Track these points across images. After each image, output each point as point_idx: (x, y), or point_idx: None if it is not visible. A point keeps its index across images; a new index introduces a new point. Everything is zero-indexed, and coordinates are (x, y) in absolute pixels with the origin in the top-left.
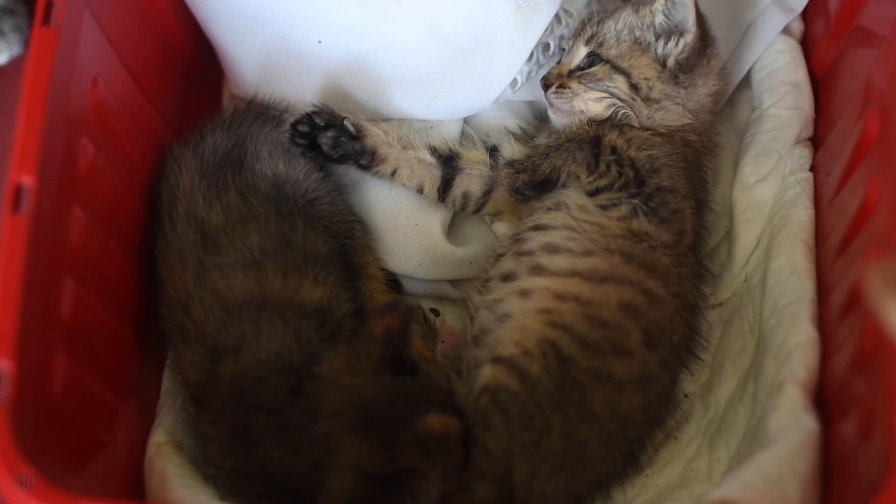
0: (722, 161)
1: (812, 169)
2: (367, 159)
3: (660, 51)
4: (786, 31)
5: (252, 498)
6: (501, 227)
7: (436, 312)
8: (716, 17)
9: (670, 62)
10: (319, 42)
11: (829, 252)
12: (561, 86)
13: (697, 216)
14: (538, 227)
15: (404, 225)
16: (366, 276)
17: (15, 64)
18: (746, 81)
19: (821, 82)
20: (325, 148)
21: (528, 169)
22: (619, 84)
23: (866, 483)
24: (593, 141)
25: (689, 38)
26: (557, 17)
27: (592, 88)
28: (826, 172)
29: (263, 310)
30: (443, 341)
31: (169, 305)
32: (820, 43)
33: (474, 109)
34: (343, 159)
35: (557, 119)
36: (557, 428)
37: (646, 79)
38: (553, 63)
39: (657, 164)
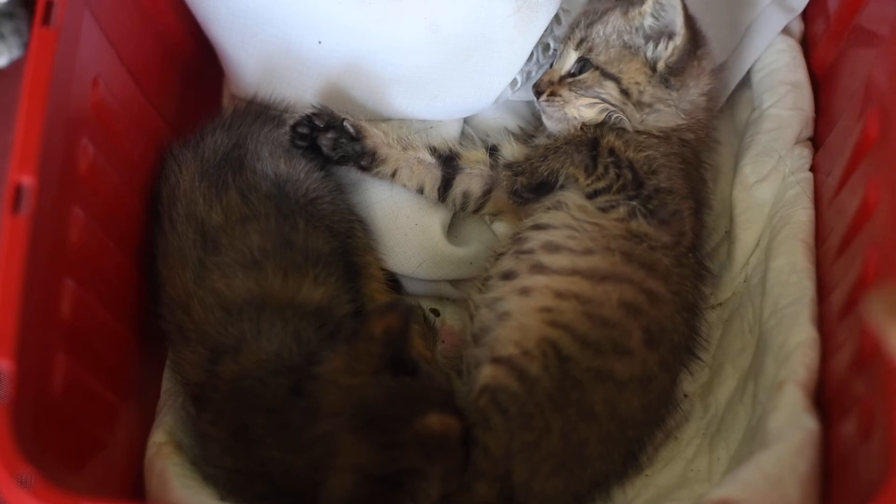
0: (722, 161)
1: (812, 169)
2: (367, 160)
3: (649, 54)
4: (786, 31)
5: (252, 498)
6: (501, 227)
7: (436, 312)
8: (716, 17)
9: (660, 66)
10: (319, 42)
11: (829, 252)
12: (552, 93)
13: (696, 216)
14: (538, 227)
15: (404, 225)
16: (366, 276)
17: (15, 66)
18: (746, 81)
19: (821, 82)
20: (325, 149)
21: (526, 171)
22: (610, 90)
23: (866, 483)
24: (591, 143)
25: (679, 41)
26: (557, 18)
27: (583, 95)
28: (826, 172)
29: (263, 310)
30: (443, 341)
31: (169, 305)
32: (820, 43)
33: (474, 109)
34: (343, 161)
35: (552, 125)
36: (557, 428)
37: (636, 83)
38: (552, 62)
39: (655, 165)
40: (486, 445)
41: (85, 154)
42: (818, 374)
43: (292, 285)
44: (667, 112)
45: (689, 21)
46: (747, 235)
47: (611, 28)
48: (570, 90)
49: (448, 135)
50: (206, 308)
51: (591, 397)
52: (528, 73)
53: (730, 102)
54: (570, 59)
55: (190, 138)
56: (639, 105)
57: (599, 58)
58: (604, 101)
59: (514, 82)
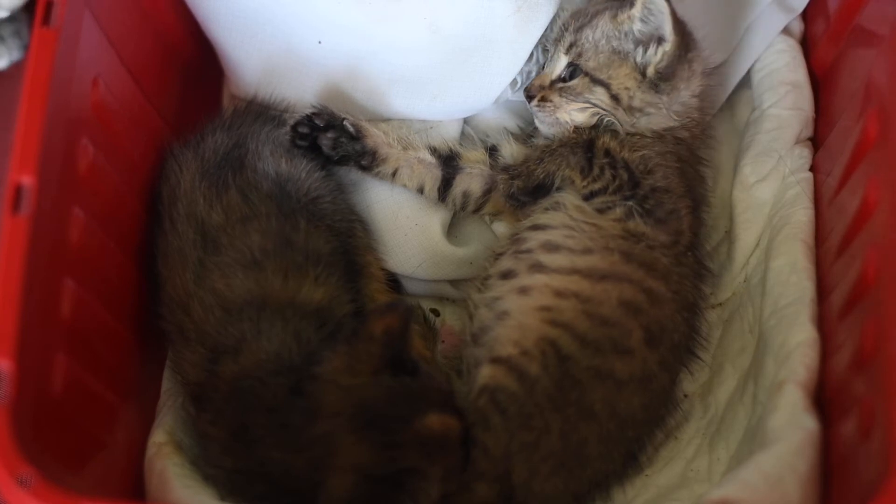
0: (722, 160)
1: (812, 169)
2: (367, 160)
3: (639, 59)
4: (786, 31)
5: (252, 498)
6: (501, 227)
7: (436, 312)
8: (716, 17)
9: (650, 71)
10: (319, 42)
11: (829, 252)
12: (543, 98)
13: (694, 214)
14: (537, 227)
15: (404, 225)
16: (366, 276)
17: (15, 68)
18: (746, 81)
19: (821, 82)
20: (325, 149)
21: (522, 175)
22: (600, 95)
23: (866, 483)
24: (586, 145)
25: (668, 46)
26: (556, 18)
27: (573, 101)
28: (826, 172)
29: (264, 310)
30: (443, 341)
31: (169, 305)
32: (820, 43)
33: (474, 109)
34: (344, 160)
35: (544, 128)
36: (556, 428)
37: (626, 89)
38: (543, 65)
39: (651, 165)
40: (485, 445)
41: (85, 154)
42: (818, 374)
43: (293, 285)
44: (658, 114)
45: (679, 25)
46: (747, 235)
47: (600, 33)
48: (561, 96)
49: (448, 135)
50: (206, 308)
51: (591, 397)
52: (528, 73)
53: (730, 102)
54: (561, 63)
55: (190, 138)
56: (629, 110)
57: (589, 63)
58: (594, 106)
59: (514, 82)
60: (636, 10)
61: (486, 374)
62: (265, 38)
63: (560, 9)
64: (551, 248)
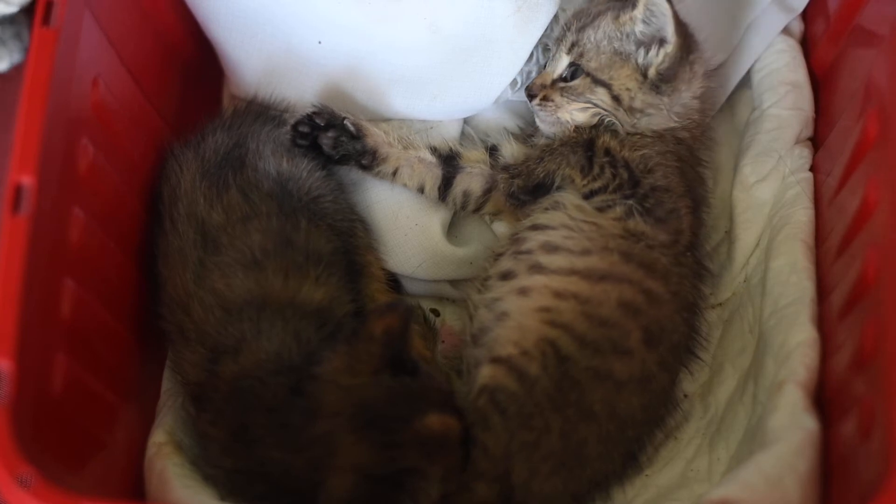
0: (722, 161)
1: (812, 169)
2: (368, 159)
3: (640, 60)
4: (786, 31)
5: (252, 498)
6: (501, 227)
7: (436, 312)
8: (716, 17)
9: (651, 72)
10: (319, 42)
11: (829, 252)
12: (545, 98)
13: (694, 214)
14: (536, 227)
15: (404, 225)
16: (367, 276)
17: (16, 70)
18: (746, 81)
19: (821, 82)
20: (326, 148)
21: (522, 174)
22: (601, 96)
23: (866, 483)
24: (587, 144)
25: (670, 48)
26: (557, 18)
27: (575, 101)
28: (826, 172)
29: (264, 310)
30: (443, 341)
31: (169, 305)
32: (820, 43)
33: (474, 110)
34: (344, 160)
35: (545, 128)
36: (556, 428)
37: (627, 90)
38: (545, 64)
39: (651, 164)
40: (485, 445)
41: (85, 154)
42: (818, 374)
43: (293, 285)
44: (658, 115)
45: (681, 27)
46: (747, 235)
47: (602, 33)
48: (562, 96)
49: (448, 135)
50: (206, 308)
51: (590, 397)
52: (529, 73)
53: (730, 102)
54: (562, 62)
55: (191, 138)
56: (630, 110)
57: (590, 64)
58: (595, 106)
59: (514, 82)
60: (638, 12)
61: (485, 373)
62: (265, 38)
63: (560, 9)
64: (550, 248)
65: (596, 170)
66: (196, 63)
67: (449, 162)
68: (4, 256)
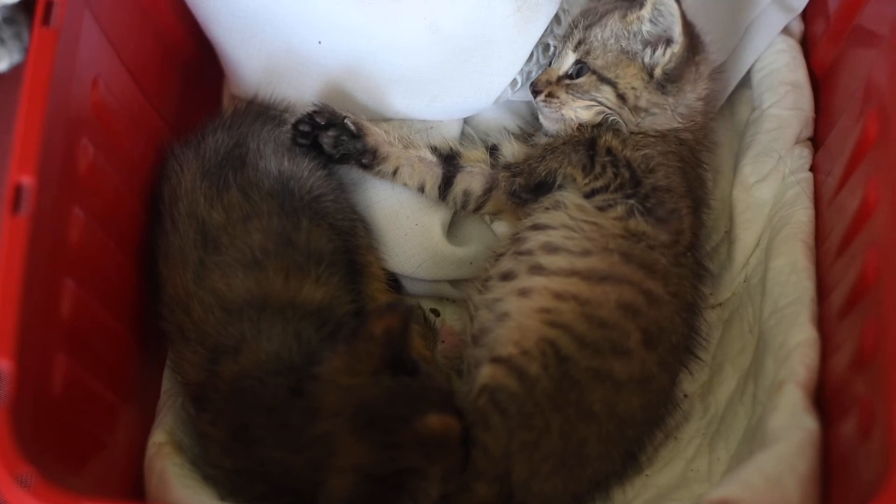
0: (722, 161)
1: (812, 169)
2: (368, 158)
3: (647, 60)
4: (786, 30)
5: (252, 498)
6: (501, 227)
7: (436, 312)
8: (715, 17)
9: (657, 72)
10: (319, 42)
11: (829, 252)
12: (550, 94)
13: (695, 215)
14: (537, 227)
15: (405, 225)
16: (367, 276)
17: (16, 71)
18: (746, 81)
19: (821, 82)
20: (326, 147)
21: (524, 172)
22: (607, 94)
23: (866, 483)
24: (588, 143)
25: (677, 48)
26: (557, 18)
27: (580, 98)
28: (826, 172)
29: (264, 310)
30: (443, 341)
31: (169, 305)
32: (820, 43)
33: (474, 110)
34: (345, 159)
35: (548, 125)
36: (556, 427)
37: (633, 88)
38: (551, 61)
39: (653, 164)
40: (485, 445)
41: (85, 154)
42: (818, 374)
43: (294, 285)
44: (663, 115)
45: (688, 28)
46: (747, 235)
47: (609, 32)
48: (568, 93)
49: (448, 134)
50: (205, 308)
51: (590, 397)
52: (528, 73)
53: (730, 102)
54: (568, 60)
55: (191, 138)
56: (635, 110)
57: (597, 62)
58: (600, 104)
59: (514, 82)
60: (646, 11)
61: (486, 373)
62: (265, 38)
63: (560, 9)
64: (551, 249)
65: (597, 169)
66: (196, 63)
67: (449, 161)
68: (4, 256)
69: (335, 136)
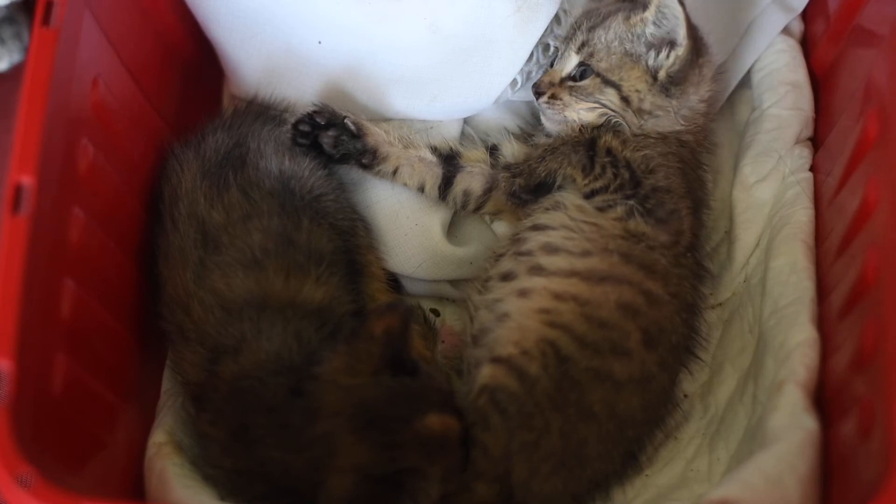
0: (722, 161)
1: (812, 169)
2: (368, 158)
3: (651, 62)
4: (786, 30)
5: (252, 498)
6: (501, 227)
7: (436, 312)
8: (716, 17)
9: (661, 75)
10: (319, 42)
11: (829, 252)
12: (553, 96)
13: (695, 215)
14: (537, 227)
15: (405, 225)
16: (367, 276)
17: (15, 70)
18: (746, 81)
19: (821, 82)
20: (326, 147)
21: (523, 173)
22: (610, 97)
23: (866, 483)
24: (589, 143)
25: (681, 51)
26: (557, 18)
27: (583, 100)
28: (826, 172)
29: (264, 310)
30: (443, 341)
31: (169, 305)
32: (820, 43)
33: (474, 110)
34: (345, 159)
35: (550, 126)
36: (556, 428)
37: (637, 91)
38: (553, 62)
39: (652, 165)
40: (485, 445)
41: (85, 154)
42: (818, 374)
43: (294, 285)
44: (666, 118)
45: (692, 30)
46: (747, 235)
47: (612, 34)
48: (571, 95)
49: (448, 135)
50: (206, 308)
51: (590, 397)
52: (529, 73)
53: (730, 102)
54: (571, 61)
55: (191, 138)
56: (639, 112)
57: (601, 64)
58: (604, 106)
59: (514, 82)
60: (650, 14)
61: (486, 373)
62: (265, 38)
63: (560, 9)
64: (551, 250)
65: (597, 169)
66: (196, 63)
67: (449, 161)
68: (4, 256)
69: (335, 136)
